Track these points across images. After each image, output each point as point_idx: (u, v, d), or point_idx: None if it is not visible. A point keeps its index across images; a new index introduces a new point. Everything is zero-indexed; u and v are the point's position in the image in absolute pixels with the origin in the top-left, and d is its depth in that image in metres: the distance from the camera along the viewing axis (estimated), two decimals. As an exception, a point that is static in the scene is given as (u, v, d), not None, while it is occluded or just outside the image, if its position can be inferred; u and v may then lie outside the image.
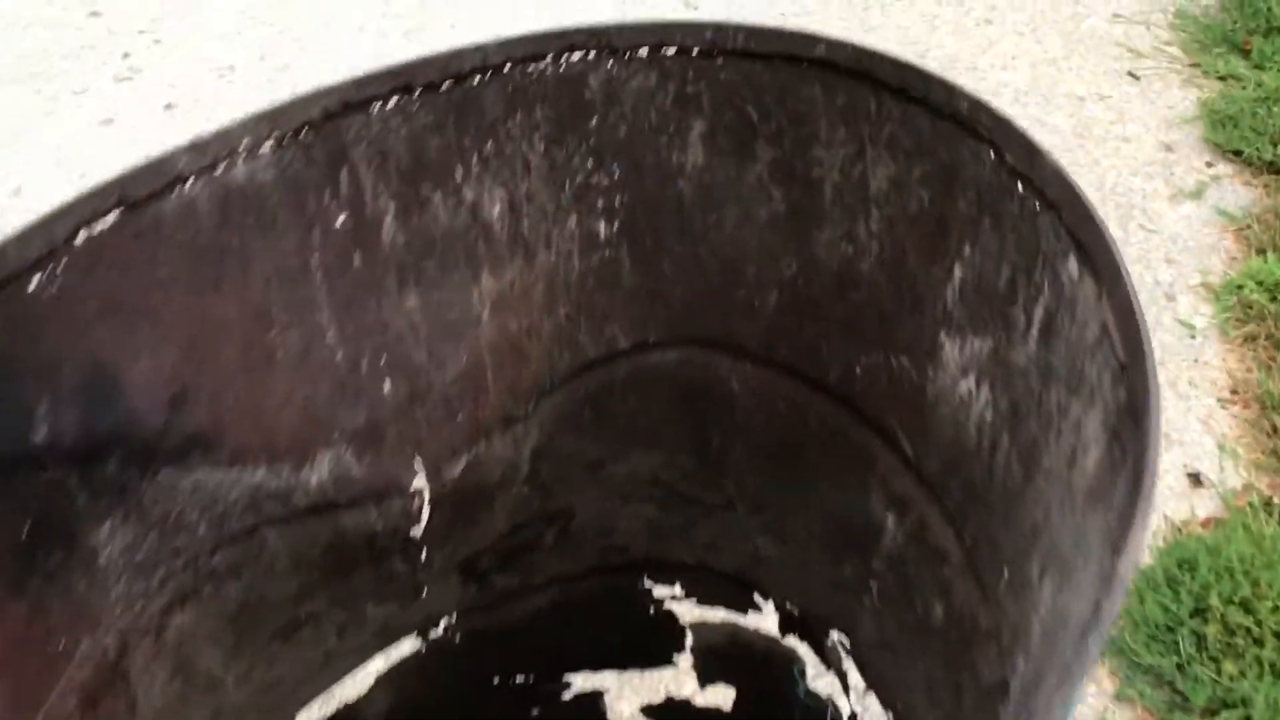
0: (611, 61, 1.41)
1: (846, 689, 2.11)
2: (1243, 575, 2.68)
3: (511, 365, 1.63)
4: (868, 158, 1.42)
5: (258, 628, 1.72)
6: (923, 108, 1.32)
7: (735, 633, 2.38)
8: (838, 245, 1.52)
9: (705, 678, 2.50)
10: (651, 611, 2.33)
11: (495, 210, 1.49)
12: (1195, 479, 3.03)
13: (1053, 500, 1.26)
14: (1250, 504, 2.91)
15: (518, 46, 1.44)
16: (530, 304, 1.60)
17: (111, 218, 1.19)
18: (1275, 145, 3.85)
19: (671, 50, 1.40)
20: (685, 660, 2.48)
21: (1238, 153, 3.90)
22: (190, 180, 1.23)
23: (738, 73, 1.42)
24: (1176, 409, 3.15)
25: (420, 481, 1.62)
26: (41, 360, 1.20)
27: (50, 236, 1.16)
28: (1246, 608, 2.66)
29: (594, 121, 1.47)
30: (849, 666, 2.03)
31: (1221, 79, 4.24)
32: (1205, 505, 2.98)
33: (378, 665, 2.13)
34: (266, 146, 1.27)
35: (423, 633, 2.14)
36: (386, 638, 2.01)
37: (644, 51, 1.40)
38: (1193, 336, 3.30)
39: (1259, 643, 2.61)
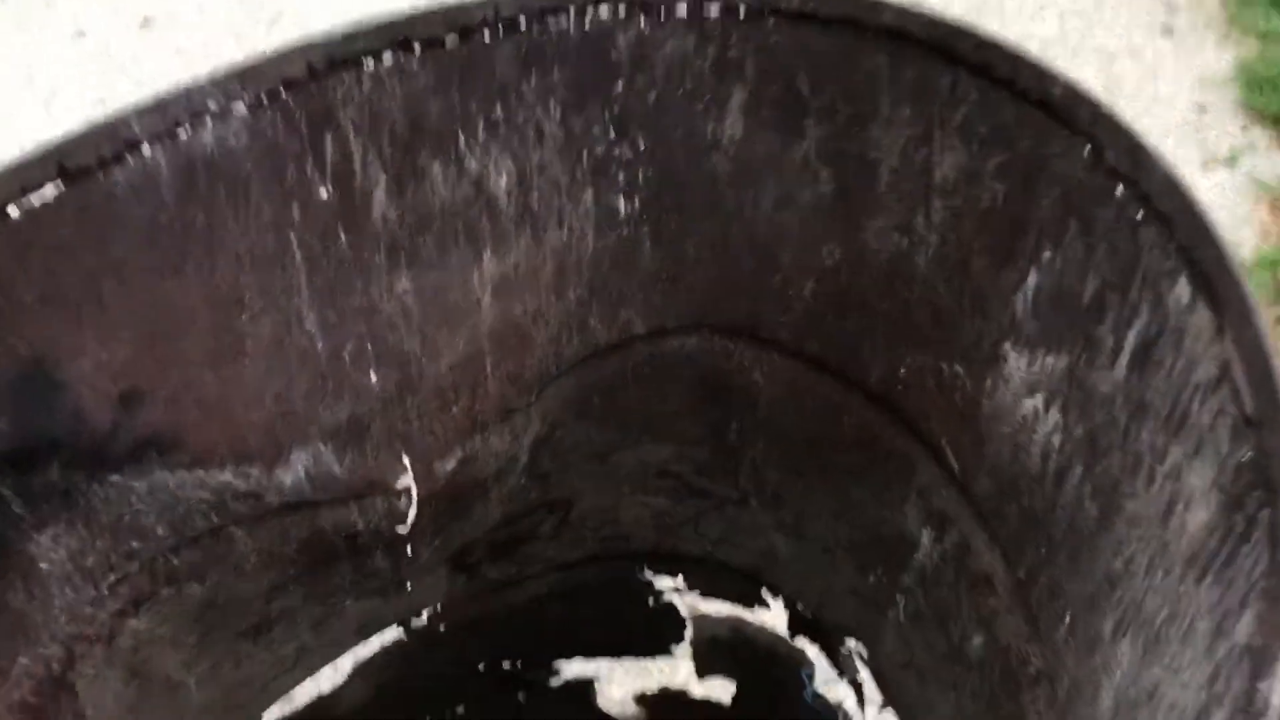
0: (644, 19, 1.21)
1: (862, 701, 1.97)
2: None
3: (514, 353, 1.45)
4: (935, 142, 1.23)
5: (224, 627, 1.56)
6: (1007, 91, 1.14)
7: (739, 627, 2.24)
8: (890, 236, 1.34)
9: (704, 670, 2.37)
10: (651, 603, 2.18)
11: (502, 183, 1.30)
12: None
13: (1138, 554, 1.10)
14: None
15: (535, -5, 1.24)
16: (537, 286, 1.42)
17: (50, 189, 1.01)
18: (1317, 112, 3.66)
19: (715, 9, 1.20)
20: (683, 651, 2.34)
21: (1276, 119, 3.70)
22: (147, 146, 1.04)
23: (790, 38, 1.23)
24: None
25: (408, 480, 1.45)
26: (-34, 356, 1.02)
27: (-25, 212, 0.97)
28: None
29: (619, 87, 1.27)
30: (865, 678, 1.89)
31: (1261, 37, 4.02)
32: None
33: (355, 657, 1.98)
34: (239, 107, 1.08)
35: (404, 623, 1.98)
36: (366, 631, 1.86)
37: (682, 9, 1.20)
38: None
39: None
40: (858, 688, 1.95)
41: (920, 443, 1.48)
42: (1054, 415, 1.23)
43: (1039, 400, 1.26)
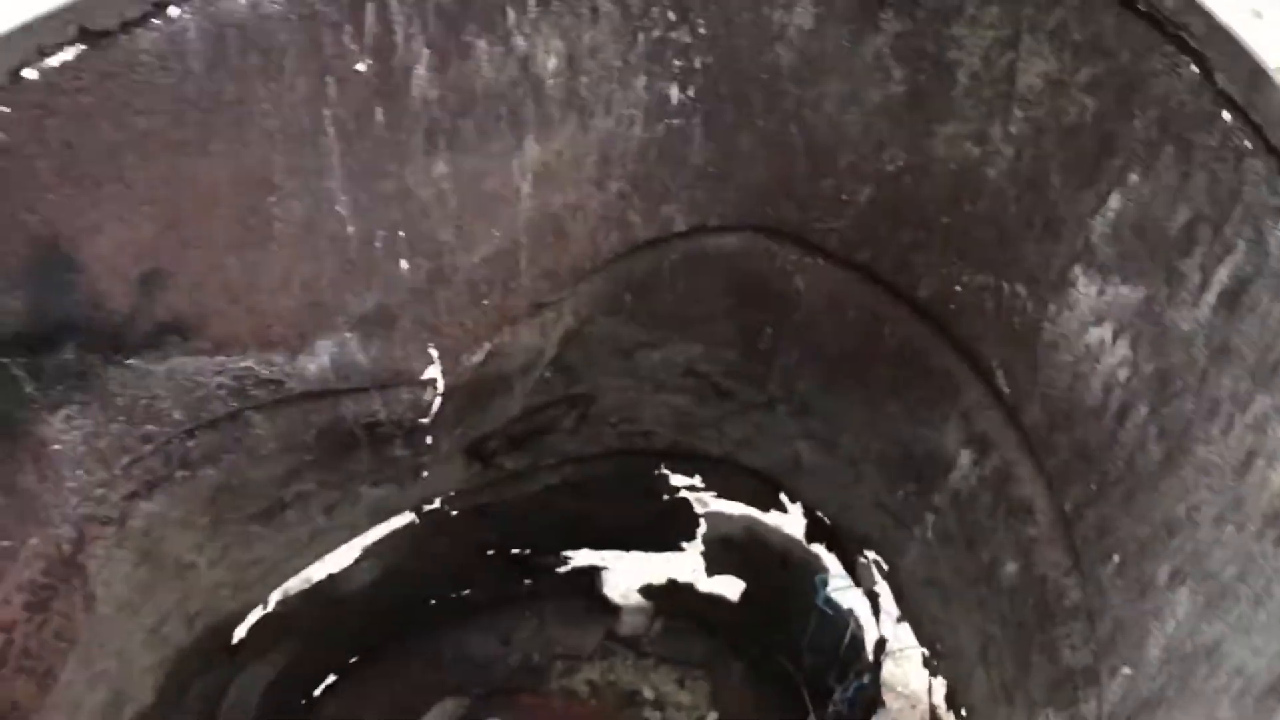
0: (719, -108, 1.10)
1: (877, 612, 1.95)
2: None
3: (550, 246, 1.38)
4: (1022, 46, 1.14)
5: (237, 510, 1.51)
6: (1112, -4, 1.04)
7: (753, 528, 2.21)
8: (962, 144, 1.26)
9: (714, 567, 2.34)
10: (666, 498, 2.15)
11: (550, 64, 1.21)
12: None
13: (1204, 503, 1.04)
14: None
15: None
16: (579, 177, 1.34)
17: (71, 52, 0.92)
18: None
19: (797, -115, 1.10)
20: (694, 548, 2.32)
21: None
22: (175, 8, 0.95)
23: (875, -78, 1.12)
24: None
25: (434, 371, 1.39)
26: (-23, 232, 0.94)
27: (-13, 72, 0.89)
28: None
29: (685, -36, 1.17)
30: (883, 590, 1.86)
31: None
32: None
33: (366, 539, 1.96)
34: (276, -31, 0.99)
35: (417, 509, 1.95)
36: (379, 516, 1.82)
37: (762, -117, 1.10)
38: None
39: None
40: (873, 599, 1.93)
41: (969, 363, 1.42)
42: (1123, 348, 1.17)
43: (1107, 331, 1.19)
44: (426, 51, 1.12)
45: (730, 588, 2.38)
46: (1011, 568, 1.43)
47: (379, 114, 1.13)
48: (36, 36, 0.89)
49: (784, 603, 2.23)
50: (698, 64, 1.29)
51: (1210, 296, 1.04)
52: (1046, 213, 1.22)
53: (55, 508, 1.22)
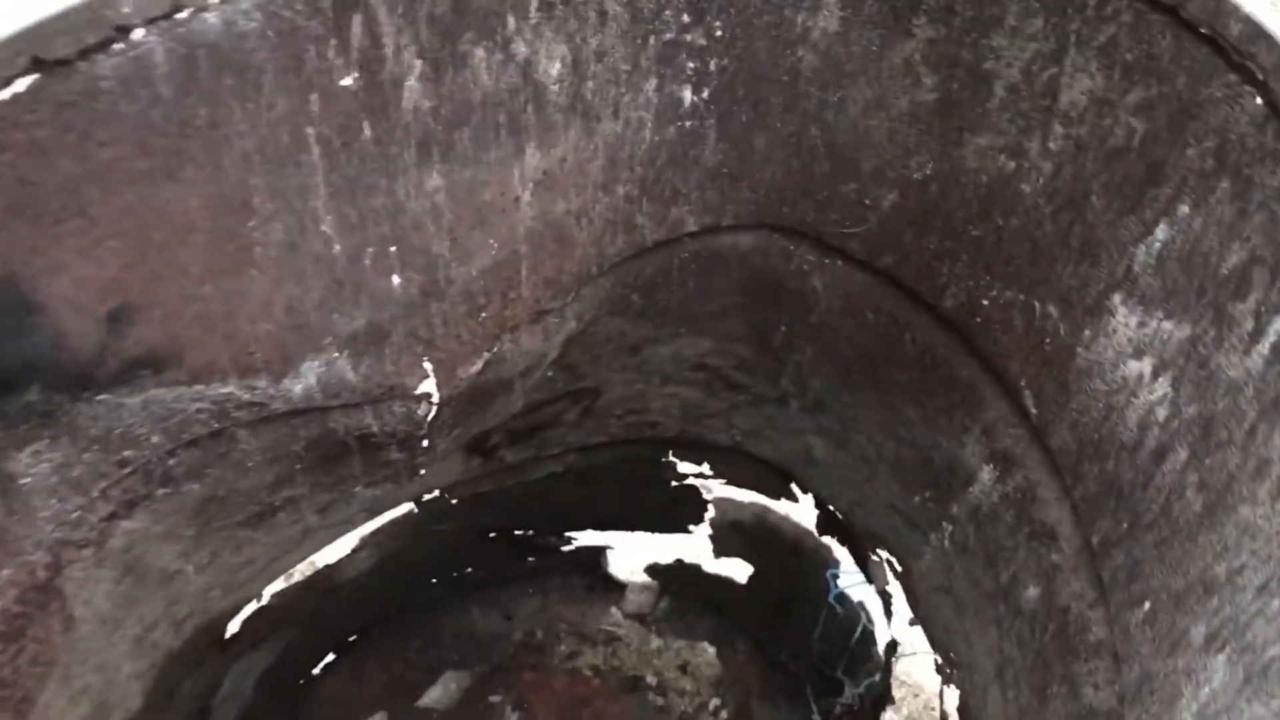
0: (739, -110, 1.00)
1: (889, 612, 1.90)
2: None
3: (553, 255, 1.30)
4: (1067, 61, 1.05)
5: (225, 518, 1.45)
6: (1170, 17, 0.95)
7: (764, 515, 2.15)
8: (995, 157, 1.17)
9: (721, 550, 2.29)
10: (673, 485, 2.08)
11: (554, 70, 1.12)
12: None
13: (1248, 568, 0.97)
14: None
15: None
16: (584, 182, 1.25)
17: (24, 83, 0.84)
18: None
19: (826, -116, 0.99)
20: (703, 530, 2.26)
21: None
22: (141, 31, 0.86)
23: (911, -76, 1.02)
24: None
25: (429, 385, 1.32)
26: (-74, 275, 0.87)
27: (-69, 109, 0.81)
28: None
29: (701, -35, 1.08)
30: (895, 590, 1.81)
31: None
32: None
33: (363, 530, 1.90)
34: (249, -16, 0.89)
35: (416, 499, 1.89)
36: (375, 511, 1.76)
37: (787, -119, 1.00)
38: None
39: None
40: (886, 598, 1.87)
41: (994, 378, 1.34)
42: (1163, 386, 1.09)
43: (1146, 365, 1.11)
44: (419, 62, 1.03)
45: (738, 570, 2.34)
46: (1032, 591, 1.37)
47: (366, 129, 1.05)
48: (-16, 69, 0.80)
49: (793, 590, 2.19)
50: (713, 66, 1.20)
51: (1264, 346, 0.96)
52: (1085, 235, 1.13)
53: (27, 537, 1.16)
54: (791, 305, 1.52)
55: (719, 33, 1.16)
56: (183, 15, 0.88)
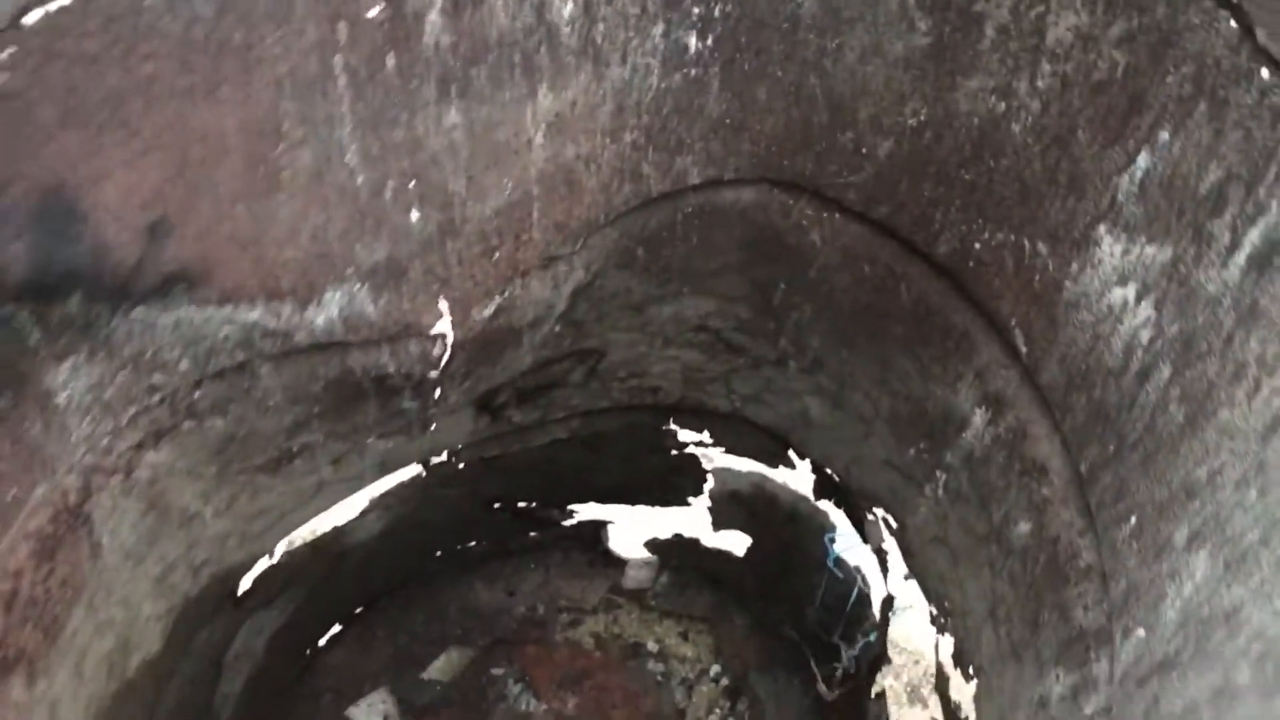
0: None
1: (885, 569, 1.94)
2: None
3: (563, 198, 1.35)
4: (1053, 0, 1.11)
5: (244, 460, 1.50)
6: (1149, -54, 1.01)
7: (761, 484, 2.20)
8: (986, 99, 1.23)
9: (720, 523, 2.34)
10: (674, 453, 2.14)
11: (566, 11, 1.18)
12: None
13: (1228, 467, 1.03)
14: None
15: None
16: (593, 127, 1.31)
17: (75, -7, 0.89)
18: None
19: None
20: (701, 503, 2.31)
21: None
22: (182, -51, 0.92)
23: None
24: None
25: (444, 325, 1.37)
26: (-20, 177, 0.92)
27: (-10, 14, 0.86)
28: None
29: (707, -90, 1.14)
30: (891, 547, 1.85)
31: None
32: None
33: (373, 490, 1.95)
34: (286, -91, 0.95)
35: (425, 461, 1.94)
36: (386, 468, 1.81)
37: None
38: None
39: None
40: (881, 556, 1.92)
41: (987, 321, 1.40)
42: (1146, 309, 1.15)
43: (1131, 291, 1.17)
44: (440, -4, 1.09)
45: (736, 543, 2.38)
46: (1024, 527, 1.42)
47: (390, 61, 1.10)
48: (40, -23, 0.86)
49: (790, 558, 2.23)
50: (717, 12, 1.26)
51: (1240, 258, 1.02)
52: (1071, 170, 1.19)
53: (61, 458, 1.21)
54: (791, 261, 1.57)
55: (723, -18, 1.22)
56: (224, -64, 0.94)
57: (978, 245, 1.35)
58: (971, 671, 1.62)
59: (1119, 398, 1.20)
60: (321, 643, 2.34)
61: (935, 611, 1.73)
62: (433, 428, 1.70)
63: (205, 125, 1.02)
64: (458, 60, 1.15)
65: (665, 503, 2.35)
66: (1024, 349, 1.36)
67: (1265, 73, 0.96)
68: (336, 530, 1.96)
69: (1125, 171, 1.13)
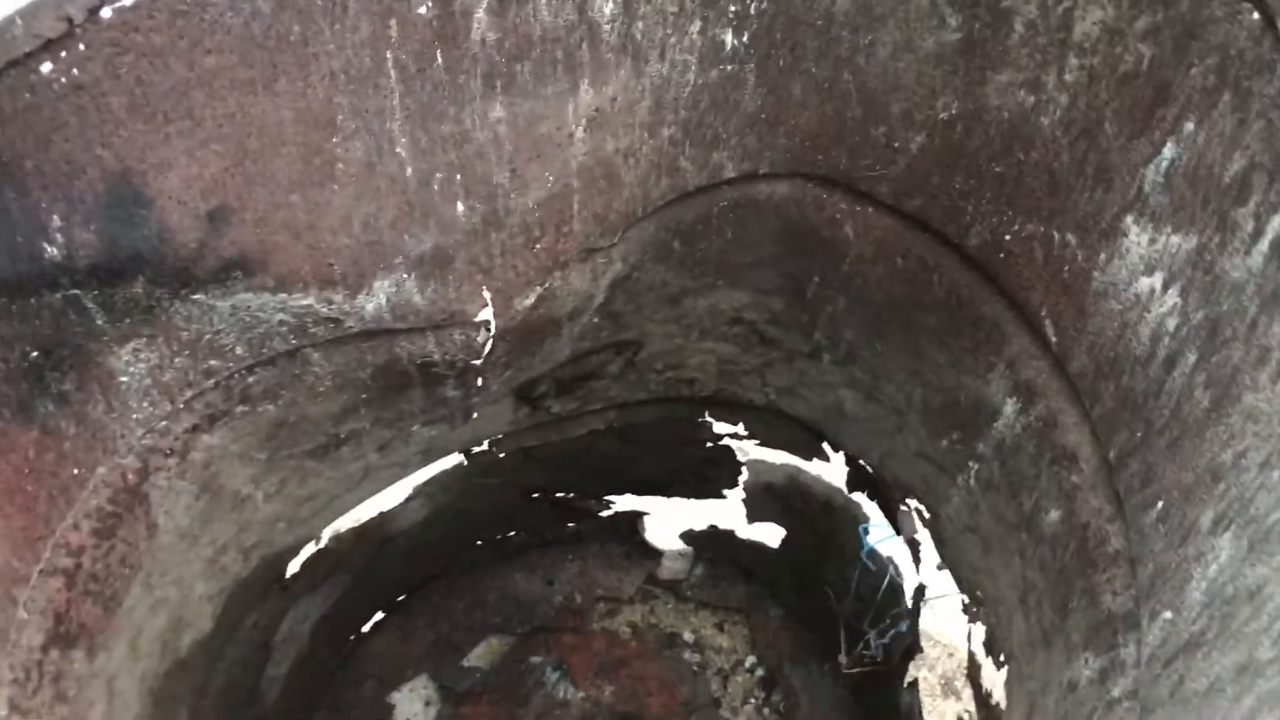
0: None
1: (917, 560, 1.97)
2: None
3: (602, 191, 1.40)
4: (1080, -7, 1.14)
5: (294, 446, 1.56)
6: (1173, -59, 1.04)
7: (796, 476, 2.24)
8: (1015, 93, 1.26)
9: (755, 515, 2.38)
10: (709, 445, 2.17)
11: (607, 9, 1.22)
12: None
13: (1253, 450, 1.05)
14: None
15: None
16: (632, 122, 1.35)
17: (144, -9, 0.94)
18: None
19: None
20: (736, 495, 2.35)
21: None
22: (244, -51, 0.97)
23: None
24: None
25: (487, 313, 1.42)
26: (55, 165, 0.97)
27: (65, 10, 0.91)
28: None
29: (743, -91, 1.18)
30: (924, 538, 1.88)
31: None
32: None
33: (417, 478, 2.00)
34: (341, -89, 1.00)
35: (467, 450, 1.99)
36: (430, 455, 1.86)
37: None
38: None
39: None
40: (914, 546, 1.95)
41: (1017, 312, 1.43)
42: (1172, 297, 1.17)
43: (1157, 280, 1.19)
44: (486, -5, 1.13)
45: (770, 535, 2.41)
46: (1054, 515, 1.45)
47: (439, 57, 1.15)
48: (113, -25, 0.91)
49: (824, 550, 2.26)
50: (753, 10, 1.29)
51: (1263, 245, 1.04)
52: (1099, 161, 1.22)
53: (122, 438, 1.26)
54: (825, 255, 1.61)
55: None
56: (283, -63, 0.99)
57: (1008, 237, 1.38)
58: (1003, 659, 1.65)
59: (1146, 385, 1.23)
60: (365, 629, 2.40)
61: (967, 600, 1.75)
62: (474, 416, 1.75)
63: (263, 117, 1.07)
64: (503, 56, 1.19)
65: (700, 495, 2.39)
66: (1054, 338, 1.38)
67: (1288, 64, 0.99)
68: (381, 516, 2.01)
69: (1151, 162, 1.16)
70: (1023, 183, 1.32)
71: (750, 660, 2.42)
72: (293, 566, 1.86)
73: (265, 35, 1.02)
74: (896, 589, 2.05)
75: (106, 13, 0.93)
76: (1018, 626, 1.57)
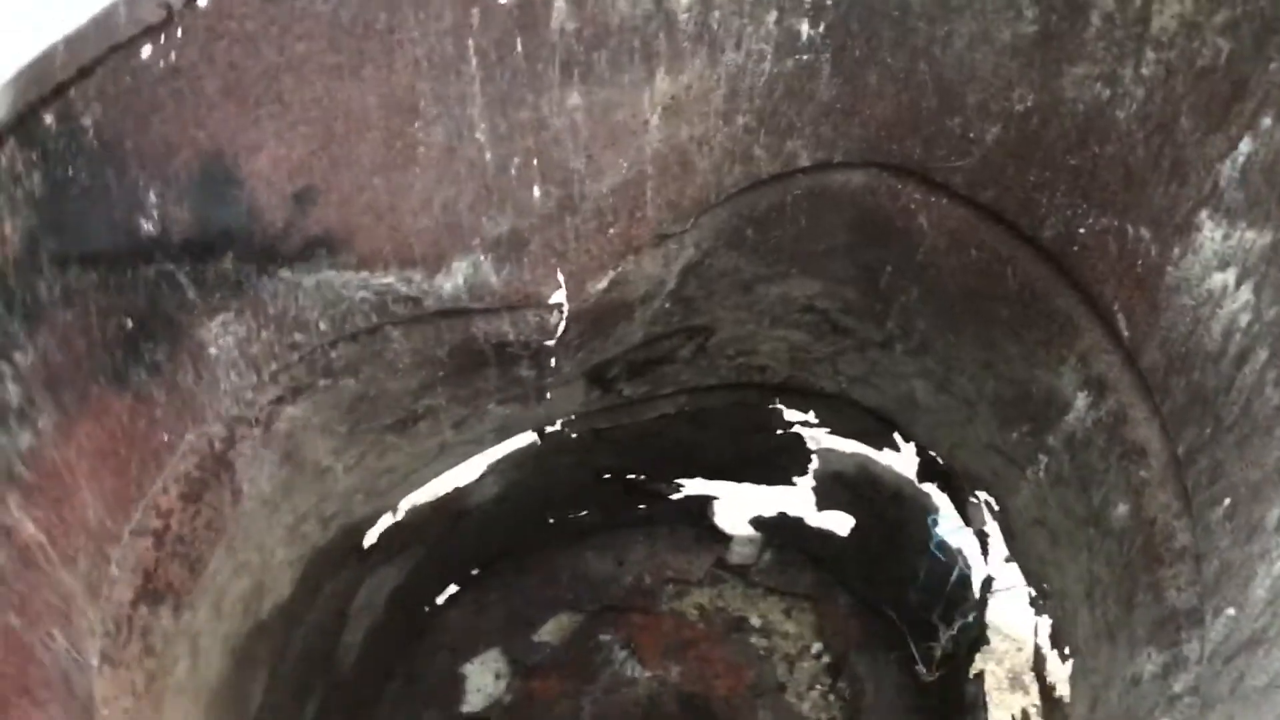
0: None
1: (986, 552, 1.97)
2: None
3: (676, 179, 1.42)
4: (1158, -13, 1.13)
5: (373, 420, 1.61)
6: (1255, -66, 1.03)
7: (866, 465, 2.24)
8: (1092, 86, 1.25)
9: (824, 503, 2.39)
10: (780, 432, 2.19)
11: (684, -1, 1.24)
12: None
13: (1321, 450, 1.05)
14: None
15: None
16: (707, 111, 1.37)
17: (239, -20, 0.99)
18: None
19: None
20: (806, 483, 2.36)
21: None
22: (334, -61, 1.01)
23: None
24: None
25: (560, 296, 1.45)
26: (153, 145, 1.03)
27: (167, -1, 0.96)
28: None
29: (820, -100, 1.19)
30: (992, 530, 1.88)
31: None
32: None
33: (491, 455, 2.05)
34: (427, -97, 1.04)
35: (540, 429, 2.03)
36: (504, 433, 1.90)
37: None
38: None
39: None
40: (983, 539, 1.95)
41: (1090, 306, 1.42)
42: (1245, 293, 1.17)
43: (1230, 276, 1.19)
44: (566, -16, 1.17)
45: (840, 523, 2.42)
46: (1122, 510, 1.44)
47: (519, 44, 1.18)
48: (211, -35, 0.96)
49: (893, 540, 2.27)
50: (829, 1, 1.31)
51: (1340, 243, 1.03)
52: (1174, 156, 1.21)
53: (210, 407, 1.32)
54: (898, 244, 1.61)
55: (831, -34, 1.27)
56: (371, -72, 1.03)
57: (1082, 230, 1.38)
58: (1068, 652, 1.64)
59: (1217, 381, 1.22)
60: (439, 602, 2.46)
61: (1034, 593, 1.75)
62: (548, 397, 1.79)
63: (349, 101, 1.11)
64: (581, 45, 1.22)
65: (770, 481, 2.40)
66: (1126, 333, 1.38)
67: (1368, 60, 0.98)
68: (456, 491, 2.07)
69: (1227, 158, 1.15)
70: (1097, 176, 1.32)
71: (817, 647, 2.43)
72: (370, 537, 1.92)
73: (353, 23, 1.06)
74: (965, 581, 2.06)
75: (203, 1, 0.98)
76: (1083, 620, 1.56)
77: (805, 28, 1.33)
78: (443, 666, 2.41)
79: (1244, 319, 1.17)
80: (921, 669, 2.05)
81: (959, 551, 2.06)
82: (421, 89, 1.15)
